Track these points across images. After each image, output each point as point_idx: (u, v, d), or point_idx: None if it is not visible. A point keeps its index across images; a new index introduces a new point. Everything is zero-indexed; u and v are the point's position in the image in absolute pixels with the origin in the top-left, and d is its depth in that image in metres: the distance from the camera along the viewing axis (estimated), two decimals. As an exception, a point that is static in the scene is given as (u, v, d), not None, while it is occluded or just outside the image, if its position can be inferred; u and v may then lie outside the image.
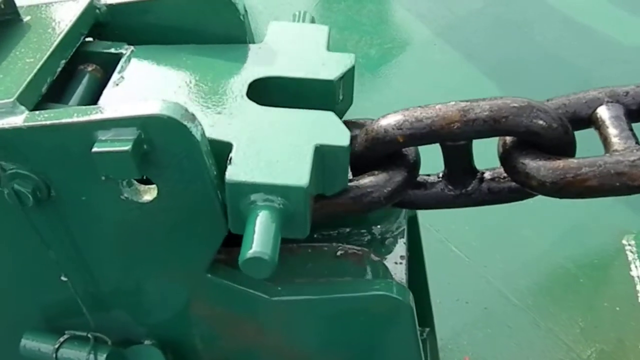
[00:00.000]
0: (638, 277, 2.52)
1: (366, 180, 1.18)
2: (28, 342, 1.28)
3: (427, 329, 1.83)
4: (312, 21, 1.47)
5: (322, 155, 1.08)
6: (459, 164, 1.23)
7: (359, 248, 1.31)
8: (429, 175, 1.27)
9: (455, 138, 1.15)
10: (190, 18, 1.32)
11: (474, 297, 2.57)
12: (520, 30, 4.00)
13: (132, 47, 1.30)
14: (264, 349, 1.31)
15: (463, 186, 1.24)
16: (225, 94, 1.21)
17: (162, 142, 1.00)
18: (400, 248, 1.37)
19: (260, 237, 0.97)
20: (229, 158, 1.06)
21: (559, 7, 4.15)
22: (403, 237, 1.39)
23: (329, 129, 1.12)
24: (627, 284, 2.52)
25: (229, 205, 1.06)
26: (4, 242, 1.20)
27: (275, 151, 1.08)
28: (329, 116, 1.16)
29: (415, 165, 1.21)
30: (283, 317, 1.24)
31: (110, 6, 1.32)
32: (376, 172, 1.19)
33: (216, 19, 1.31)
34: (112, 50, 1.30)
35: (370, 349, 1.27)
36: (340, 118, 1.19)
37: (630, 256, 2.59)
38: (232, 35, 1.33)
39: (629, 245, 2.63)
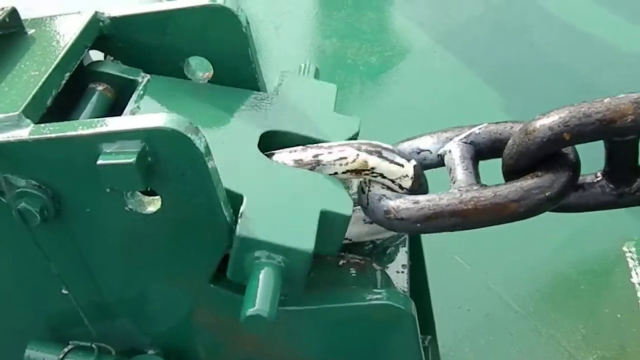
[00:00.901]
0: (639, 283, 2.52)
1: (530, 181, 1.12)
2: (32, 352, 1.28)
3: (429, 337, 1.83)
4: (317, 72, 1.54)
5: (325, 219, 1.12)
6: (624, 161, 1.16)
7: (360, 257, 1.32)
8: (584, 174, 1.21)
9: (626, 132, 1.08)
10: (193, 30, 1.33)
11: (475, 304, 2.56)
12: (520, 36, 4.01)
13: (148, 76, 1.33)
14: (267, 357, 1.32)
15: (627, 185, 1.17)
16: (237, 142, 1.24)
17: (166, 154, 1.01)
18: (402, 257, 1.38)
19: (262, 295, 1.02)
20: (241, 212, 1.09)
21: (559, 13, 4.16)
22: (404, 246, 1.40)
23: (335, 196, 1.17)
24: (628, 290, 2.52)
25: (233, 256, 1.09)
26: (6, 253, 1.21)
27: (284, 211, 1.12)
28: (336, 182, 1.20)
29: (577, 164, 1.16)
30: (285, 327, 1.24)
31: (114, 19, 1.34)
32: (539, 173, 1.12)
33: (219, 30, 1.32)
34: (127, 76, 1.32)
35: (371, 358, 1.27)
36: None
37: (631, 263, 2.59)
38: (234, 45, 1.35)
39: (630, 252, 2.63)
